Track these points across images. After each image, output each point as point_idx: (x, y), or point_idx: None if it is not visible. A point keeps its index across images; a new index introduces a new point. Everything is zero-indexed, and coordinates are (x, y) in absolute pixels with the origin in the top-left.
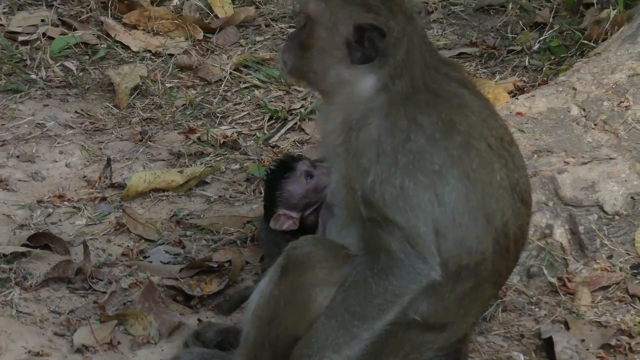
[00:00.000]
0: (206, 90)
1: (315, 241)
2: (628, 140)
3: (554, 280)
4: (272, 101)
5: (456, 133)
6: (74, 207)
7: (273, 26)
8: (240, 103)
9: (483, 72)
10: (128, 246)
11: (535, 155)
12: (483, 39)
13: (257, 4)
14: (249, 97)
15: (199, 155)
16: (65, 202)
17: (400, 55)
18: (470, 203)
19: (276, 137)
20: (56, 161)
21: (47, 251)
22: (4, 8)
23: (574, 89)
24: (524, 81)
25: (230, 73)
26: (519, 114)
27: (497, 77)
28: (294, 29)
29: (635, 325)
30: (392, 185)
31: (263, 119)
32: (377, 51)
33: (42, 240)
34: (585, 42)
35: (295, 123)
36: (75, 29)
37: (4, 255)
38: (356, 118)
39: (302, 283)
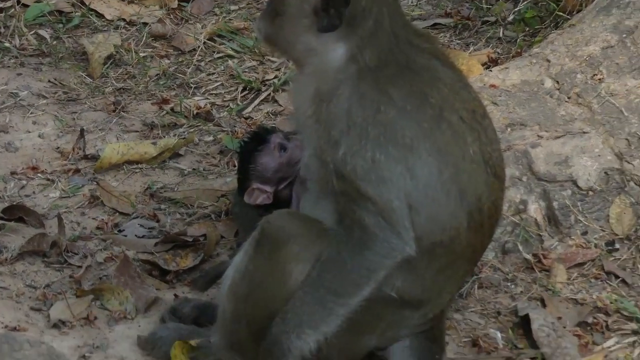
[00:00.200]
0: (180, 60)
1: (289, 215)
2: (601, 114)
3: (529, 256)
4: (245, 71)
5: (428, 105)
6: (48, 179)
7: None
8: (213, 73)
9: (457, 44)
10: (102, 219)
11: (509, 129)
12: (458, 10)
13: None
14: (222, 67)
15: (172, 127)
16: (39, 174)
17: (368, 25)
18: (442, 177)
19: (249, 109)
20: (29, 132)
21: (22, 224)
22: None
23: (548, 61)
24: (498, 53)
25: (204, 43)
26: (492, 86)
27: (471, 48)
28: None
29: (611, 302)
30: (363, 158)
31: (236, 89)
32: (342, 19)
33: (16, 213)
34: (560, 13)
35: (269, 94)
36: None
37: None
38: (326, 89)
39: (277, 258)
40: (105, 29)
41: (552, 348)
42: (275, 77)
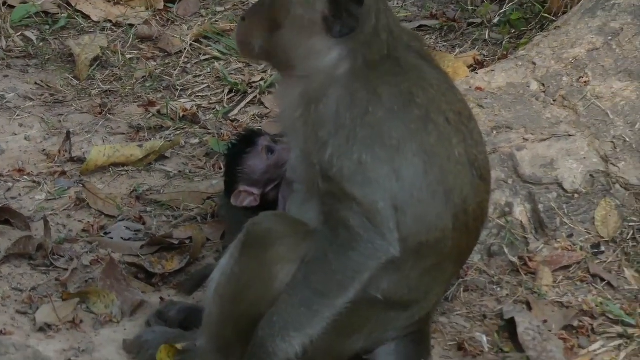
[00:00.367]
0: (166, 61)
1: (275, 217)
2: (587, 116)
3: (514, 259)
4: (232, 73)
5: (415, 106)
6: (34, 182)
7: None
8: (200, 75)
9: (443, 46)
10: (88, 222)
11: (495, 132)
12: (443, 12)
13: None
14: (208, 69)
15: (158, 129)
16: (25, 177)
17: (372, 24)
18: (428, 178)
19: (236, 111)
20: (16, 134)
21: (8, 226)
22: None
23: (534, 63)
24: (484, 55)
25: (191, 44)
26: (478, 88)
27: (457, 50)
28: (253, 7)
29: (597, 305)
30: (350, 159)
31: (223, 92)
32: (358, 21)
33: (2, 216)
34: (546, 15)
35: (255, 96)
36: None
37: None
38: (316, 90)
39: (263, 260)
40: (91, 30)
41: (538, 351)
42: (262, 79)
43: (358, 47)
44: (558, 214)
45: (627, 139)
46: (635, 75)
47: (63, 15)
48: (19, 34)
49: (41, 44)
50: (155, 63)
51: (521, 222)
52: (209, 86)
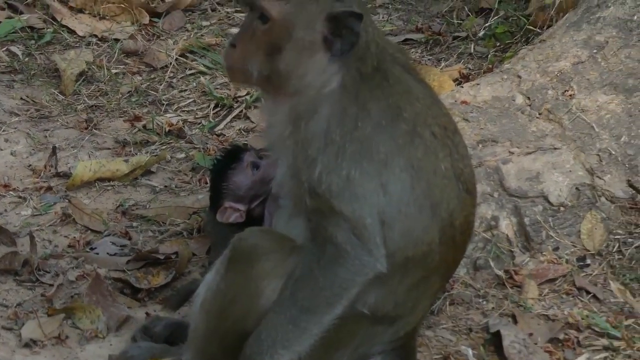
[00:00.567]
0: (152, 76)
1: (261, 233)
2: (572, 130)
3: (500, 272)
4: (217, 88)
5: (402, 120)
6: (20, 197)
7: (219, 10)
8: (185, 90)
9: (428, 59)
10: (74, 237)
11: (480, 145)
12: (429, 25)
13: None
14: (194, 83)
15: (144, 144)
16: (11, 192)
17: (364, 36)
18: (415, 193)
19: (221, 126)
20: (1, 149)
21: None
22: None
23: (519, 77)
24: (469, 68)
25: (176, 59)
26: (463, 102)
27: (443, 64)
28: (242, 27)
29: (582, 318)
30: (339, 175)
31: (209, 106)
32: (358, 36)
33: None
34: (531, 28)
35: (241, 111)
36: (21, 13)
37: None
38: (306, 107)
39: (249, 275)
40: (77, 45)
41: None
42: (247, 93)
43: (352, 61)
44: (544, 227)
45: (613, 152)
46: (621, 88)
47: (49, 30)
48: (5, 49)
49: (27, 59)
50: (141, 78)
51: (507, 235)
52: (194, 101)
